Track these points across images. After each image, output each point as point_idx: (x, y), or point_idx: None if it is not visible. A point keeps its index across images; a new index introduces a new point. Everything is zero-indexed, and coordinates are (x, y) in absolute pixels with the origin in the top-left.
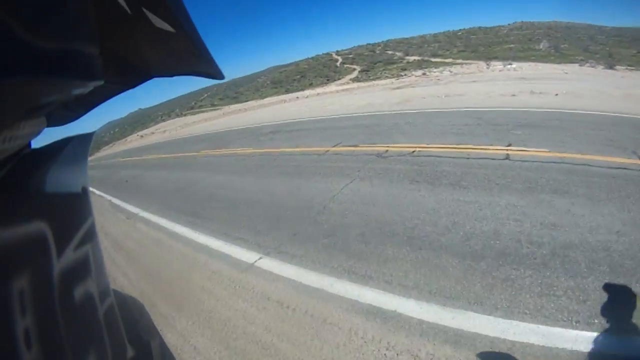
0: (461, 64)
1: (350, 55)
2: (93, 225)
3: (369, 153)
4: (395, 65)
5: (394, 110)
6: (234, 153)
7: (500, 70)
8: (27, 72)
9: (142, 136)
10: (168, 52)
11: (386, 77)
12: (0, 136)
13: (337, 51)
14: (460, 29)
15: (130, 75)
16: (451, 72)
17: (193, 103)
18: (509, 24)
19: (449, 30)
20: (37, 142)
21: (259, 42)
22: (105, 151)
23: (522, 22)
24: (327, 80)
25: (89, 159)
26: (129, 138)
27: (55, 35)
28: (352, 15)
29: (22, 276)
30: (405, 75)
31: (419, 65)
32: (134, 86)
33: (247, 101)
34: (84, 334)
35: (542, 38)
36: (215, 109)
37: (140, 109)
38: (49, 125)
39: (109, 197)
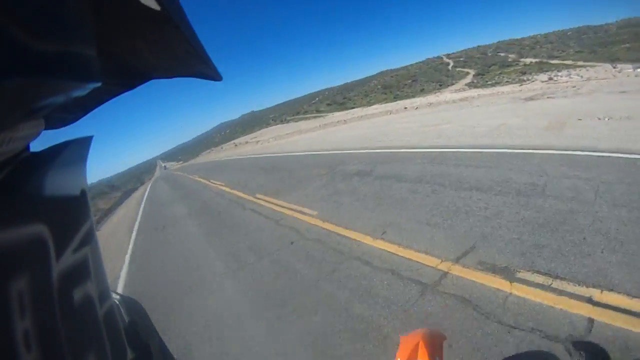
0: (583, 66)
1: (462, 58)
2: (92, 228)
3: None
4: (512, 68)
5: (555, 148)
6: (287, 215)
7: (637, 75)
8: (24, 74)
9: (236, 145)
10: (166, 54)
11: (507, 82)
12: None
13: (448, 54)
14: (569, 28)
15: (128, 77)
16: (581, 76)
17: (300, 108)
18: (616, 21)
19: (558, 30)
20: (36, 146)
21: (371, 44)
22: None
23: (630, 18)
24: (440, 85)
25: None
26: (225, 145)
27: (52, 37)
28: (462, 16)
29: (21, 278)
30: (528, 80)
31: (539, 68)
32: (132, 88)
33: (353, 108)
34: (83, 336)
35: None
36: (318, 116)
37: (253, 111)
38: (47, 128)
39: None
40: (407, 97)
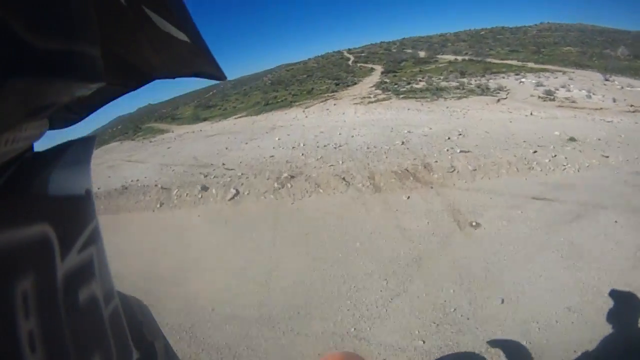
0: (546, 70)
1: (363, 54)
2: (97, 227)
3: None
4: (432, 66)
5: None
6: None
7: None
8: (27, 73)
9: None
10: (170, 54)
11: (442, 86)
12: (2, 138)
13: (349, 49)
14: (481, 28)
15: (131, 77)
16: (568, 88)
17: (171, 109)
18: (536, 24)
19: (470, 29)
20: (40, 146)
21: (273, 38)
22: None
23: (550, 23)
24: (337, 84)
25: None
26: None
27: (56, 36)
28: (362, 11)
29: (26, 278)
30: (496, 90)
31: (482, 67)
32: (135, 88)
33: (207, 119)
34: (88, 336)
35: (600, 43)
36: (169, 126)
37: (150, 104)
38: (51, 128)
39: None
40: (284, 105)
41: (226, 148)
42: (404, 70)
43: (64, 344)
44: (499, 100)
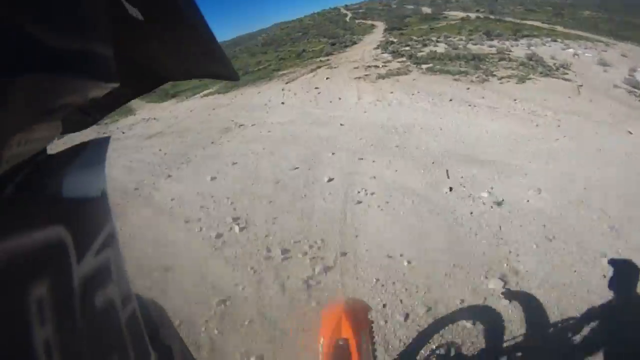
0: (578, 38)
1: (361, 10)
2: (114, 229)
3: None
4: (443, 22)
5: None
6: None
7: None
8: (40, 71)
9: None
10: (183, 56)
11: (494, 59)
12: (15, 139)
13: (346, 5)
14: None
15: (144, 79)
16: None
17: None
18: None
19: None
20: (54, 149)
21: None
22: None
23: None
24: (332, 44)
25: None
26: None
27: (68, 34)
28: None
29: (41, 283)
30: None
31: (512, 29)
32: (148, 90)
33: (175, 95)
34: (106, 341)
35: (621, 8)
36: (139, 104)
37: None
38: (65, 132)
39: None
40: (263, 75)
41: (135, 189)
42: (411, 27)
43: (80, 351)
44: (578, 89)
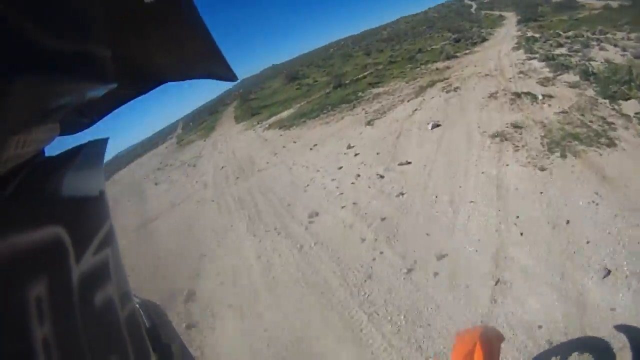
0: None
1: (486, 0)
2: (112, 229)
3: None
4: (584, 13)
5: None
6: None
7: None
8: (38, 72)
9: None
10: (181, 56)
11: None
12: (13, 140)
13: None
14: None
15: (142, 80)
16: None
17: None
18: None
19: None
20: (53, 151)
21: None
22: None
23: None
24: (456, 41)
25: None
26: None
27: (66, 36)
28: None
29: (40, 282)
30: None
31: None
32: (146, 92)
33: (259, 114)
34: (105, 340)
35: None
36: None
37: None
38: (62, 133)
39: None
40: (347, 100)
41: None
42: (548, 18)
43: (79, 349)
44: None
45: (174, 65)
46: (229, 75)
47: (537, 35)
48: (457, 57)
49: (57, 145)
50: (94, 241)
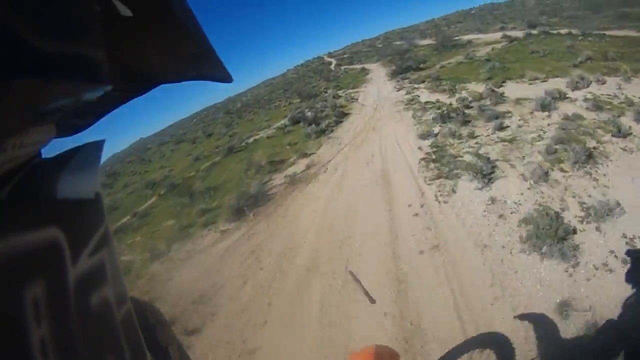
0: None
1: (346, 55)
2: (108, 231)
3: None
4: (482, 50)
5: None
6: None
7: None
8: (33, 74)
9: None
10: (175, 57)
11: None
12: (9, 142)
13: (329, 53)
14: (469, 8)
15: (136, 82)
16: None
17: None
18: None
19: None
20: (49, 153)
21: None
22: None
23: None
24: (296, 123)
25: None
26: None
27: (59, 37)
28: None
29: (36, 284)
30: None
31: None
32: (141, 94)
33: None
34: (102, 341)
35: None
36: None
37: (141, 138)
38: (58, 135)
39: None
40: None
41: None
42: (430, 61)
43: (76, 350)
44: None
45: (168, 66)
46: (224, 77)
47: (444, 99)
48: (290, 171)
49: (54, 148)
50: (90, 243)
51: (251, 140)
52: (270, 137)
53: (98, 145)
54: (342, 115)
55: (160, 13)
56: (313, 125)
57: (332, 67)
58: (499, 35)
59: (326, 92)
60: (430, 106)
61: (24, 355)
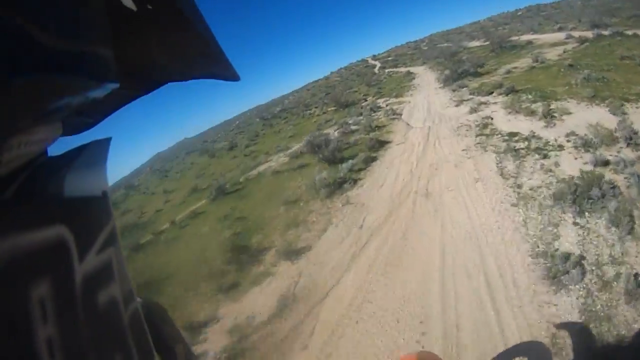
0: None
1: (390, 58)
2: (114, 229)
3: None
4: (551, 51)
5: None
6: None
7: None
8: (39, 72)
9: None
10: (182, 56)
11: None
12: (16, 140)
13: (374, 56)
14: (515, 9)
15: (144, 81)
16: None
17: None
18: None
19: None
20: (56, 152)
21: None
22: None
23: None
24: (316, 149)
25: None
26: None
27: (68, 35)
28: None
29: (43, 283)
30: None
31: None
32: (148, 92)
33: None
34: (109, 340)
35: None
36: None
37: (186, 138)
38: (65, 134)
39: None
40: None
41: None
42: (491, 67)
43: (83, 349)
44: None
45: (176, 65)
46: (231, 76)
47: (539, 129)
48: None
49: (60, 146)
50: (97, 241)
51: (254, 173)
52: (276, 174)
53: (105, 143)
54: (376, 147)
55: (167, 12)
56: (328, 170)
57: (376, 70)
58: (561, 35)
59: (365, 100)
60: (522, 145)
61: (31, 355)
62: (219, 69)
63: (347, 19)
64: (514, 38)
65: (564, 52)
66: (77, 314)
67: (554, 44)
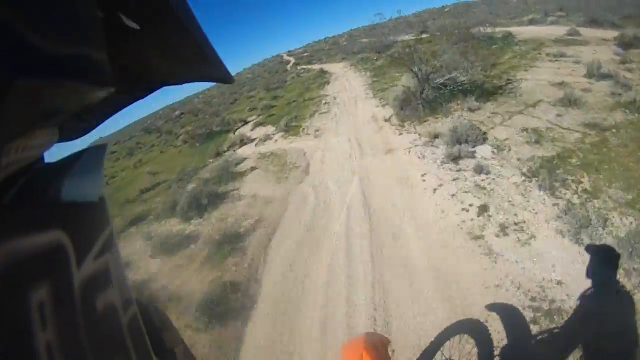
0: None
1: (306, 53)
2: (112, 234)
3: None
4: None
5: None
6: None
7: None
8: (35, 76)
9: None
10: (176, 59)
11: None
12: (12, 145)
13: (289, 51)
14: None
15: (138, 85)
16: None
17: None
18: None
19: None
20: (52, 158)
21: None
22: None
23: None
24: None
25: None
26: None
27: (64, 39)
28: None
29: (42, 287)
30: None
31: None
32: (143, 96)
33: None
34: (107, 344)
35: None
36: None
37: (100, 137)
38: (61, 139)
39: None
40: None
41: None
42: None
43: (82, 354)
44: None
45: (170, 68)
46: (226, 78)
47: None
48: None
49: (56, 151)
50: (95, 246)
51: None
52: None
53: (101, 150)
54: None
55: (161, 14)
56: None
57: (289, 67)
58: (560, 30)
59: (234, 132)
60: None
61: (30, 359)
62: (213, 71)
63: (259, 12)
64: (477, 29)
65: (594, 53)
66: (76, 318)
67: (566, 42)
